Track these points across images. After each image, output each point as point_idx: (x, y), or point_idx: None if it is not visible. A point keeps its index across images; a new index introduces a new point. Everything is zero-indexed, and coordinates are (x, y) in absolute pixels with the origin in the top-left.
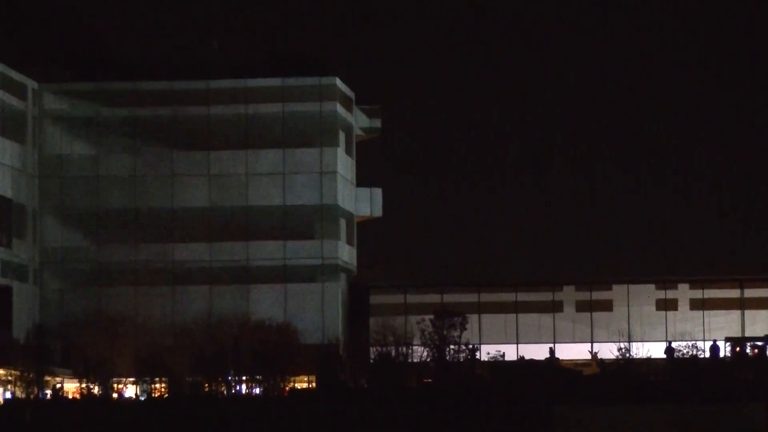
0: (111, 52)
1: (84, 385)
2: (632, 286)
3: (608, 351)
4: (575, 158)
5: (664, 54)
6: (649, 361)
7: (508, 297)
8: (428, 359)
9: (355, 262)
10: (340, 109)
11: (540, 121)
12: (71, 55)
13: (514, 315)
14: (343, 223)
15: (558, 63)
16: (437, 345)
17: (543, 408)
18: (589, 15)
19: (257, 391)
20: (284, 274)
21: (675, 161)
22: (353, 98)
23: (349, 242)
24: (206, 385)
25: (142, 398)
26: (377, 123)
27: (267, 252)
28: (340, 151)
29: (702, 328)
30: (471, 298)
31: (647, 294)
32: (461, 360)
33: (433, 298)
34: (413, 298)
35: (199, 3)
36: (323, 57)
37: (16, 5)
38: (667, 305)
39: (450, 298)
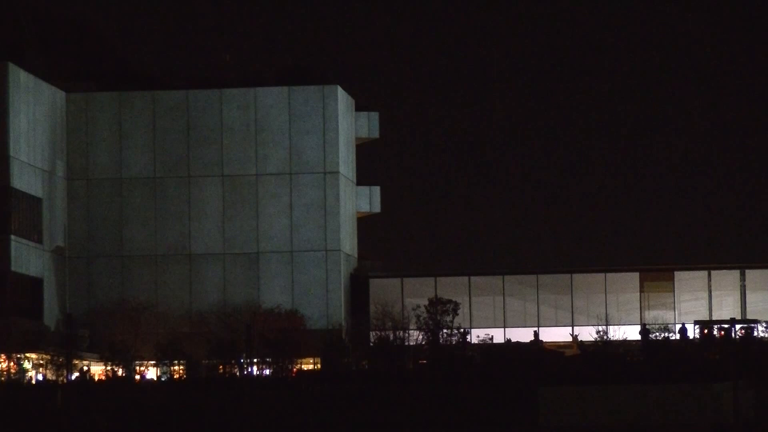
0: (134, 65)
1: (109, 368)
2: (609, 274)
3: (588, 334)
4: (558, 152)
5: (660, 38)
6: (625, 343)
7: (496, 284)
8: (423, 342)
9: (356, 254)
10: (341, 114)
11: (522, 118)
12: (97, 68)
13: (502, 301)
14: (345, 218)
15: (548, 63)
16: (431, 329)
17: (528, 386)
18: (581, 11)
19: (267, 372)
20: (291, 265)
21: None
22: (353, 105)
23: (351, 236)
24: (221, 367)
25: (163, 379)
26: (376, 127)
27: (276, 245)
28: (342, 152)
29: (673, 312)
30: (462, 285)
31: (624, 281)
32: (453, 343)
33: (428, 286)
34: (409, 286)
35: (213, 21)
36: (326, 67)
37: (45, 25)
38: (641, 291)
39: (443, 285)
